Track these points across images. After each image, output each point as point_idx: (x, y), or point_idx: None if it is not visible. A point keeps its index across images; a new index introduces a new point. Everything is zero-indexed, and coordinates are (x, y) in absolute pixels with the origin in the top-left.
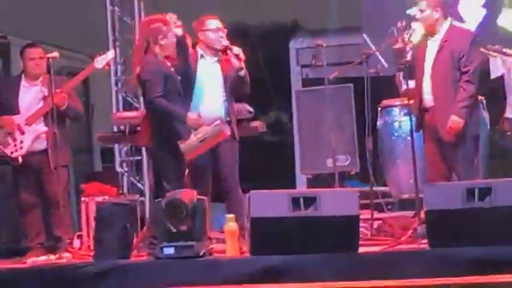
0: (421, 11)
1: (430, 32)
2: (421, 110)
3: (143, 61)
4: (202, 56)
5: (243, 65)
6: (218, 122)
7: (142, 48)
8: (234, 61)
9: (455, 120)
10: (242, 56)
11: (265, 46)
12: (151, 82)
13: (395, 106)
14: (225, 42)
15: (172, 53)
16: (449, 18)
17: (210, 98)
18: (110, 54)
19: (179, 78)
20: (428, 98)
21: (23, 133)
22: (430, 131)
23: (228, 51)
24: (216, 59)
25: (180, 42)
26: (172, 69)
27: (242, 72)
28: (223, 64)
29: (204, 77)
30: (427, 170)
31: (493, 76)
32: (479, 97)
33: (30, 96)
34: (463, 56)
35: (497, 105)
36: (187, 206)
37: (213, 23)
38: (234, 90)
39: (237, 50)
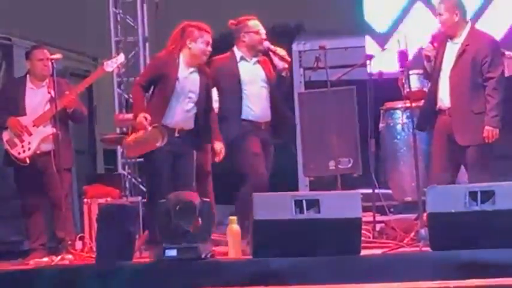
0: (440, 14)
1: (450, 35)
2: (434, 112)
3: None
4: (242, 58)
5: (286, 66)
6: (155, 126)
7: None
8: (278, 62)
9: (490, 130)
10: (288, 57)
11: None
12: (144, 69)
13: (398, 109)
14: (267, 43)
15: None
16: (469, 22)
17: (256, 100)
18: (120, 58)
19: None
20: (444, 100)
21: (30, 134)
22: (443, 132)
23: (271, 53)
24: (255, 59)
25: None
26: (177, 74)
27: (285, 73)
28: (263, 65)
29: (247, 79)
30: (432, 170)
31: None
32: None
33: (37, 98)
34: (486, 62)
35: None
36: (197, 206)
37: (256, 24)
38: (274, 91)
39: (281, 51)
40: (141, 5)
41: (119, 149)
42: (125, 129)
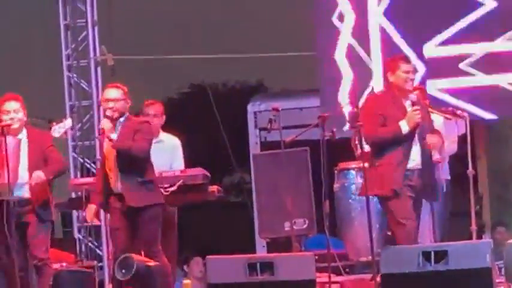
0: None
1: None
2: None
3: None
4: None
5: None
6: None
7: None
8: None
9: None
10: None
11: (225, 108)
12: None
13: (351, 169)
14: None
15: None
16: None
17: None
18: (68, 123)
19: None
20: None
21: None
22: None
23: None
24: None
25: None
26: None
27: None
28: None
29: None
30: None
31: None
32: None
33: None
34: None
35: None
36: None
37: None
38: None
39: None
40: (95, 69)
41: (74, 213)
42: (79, 193)
